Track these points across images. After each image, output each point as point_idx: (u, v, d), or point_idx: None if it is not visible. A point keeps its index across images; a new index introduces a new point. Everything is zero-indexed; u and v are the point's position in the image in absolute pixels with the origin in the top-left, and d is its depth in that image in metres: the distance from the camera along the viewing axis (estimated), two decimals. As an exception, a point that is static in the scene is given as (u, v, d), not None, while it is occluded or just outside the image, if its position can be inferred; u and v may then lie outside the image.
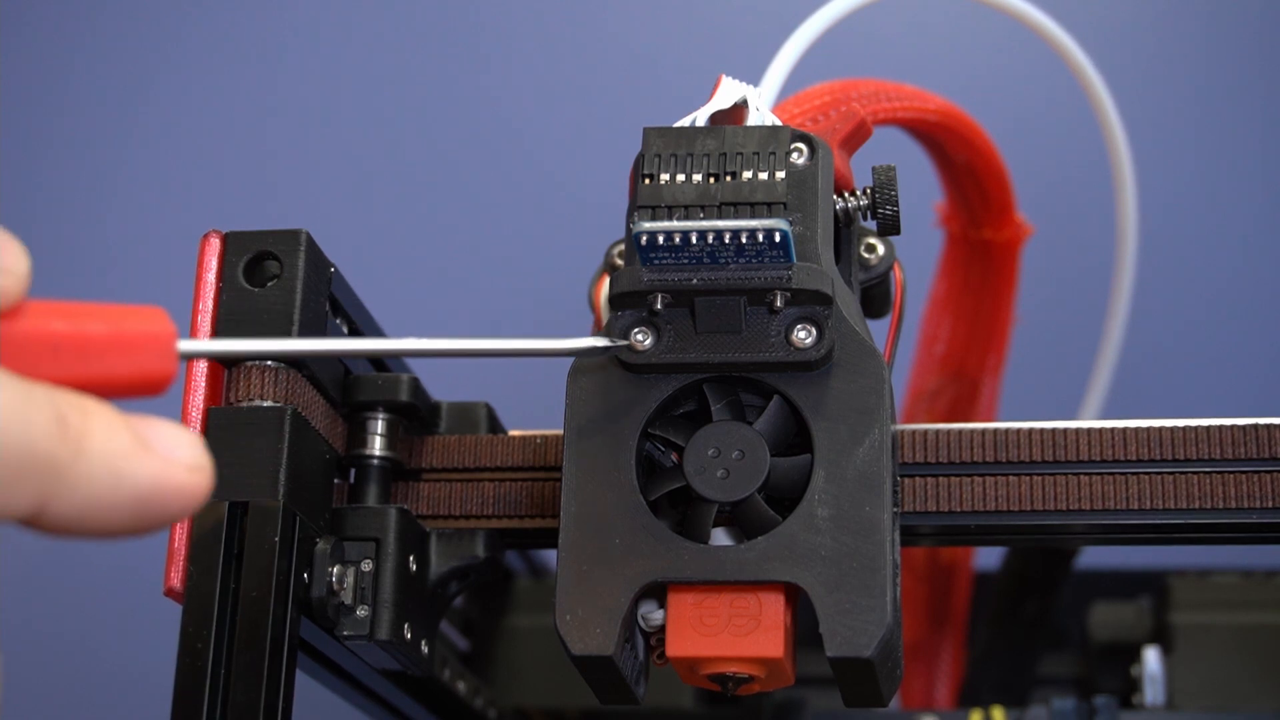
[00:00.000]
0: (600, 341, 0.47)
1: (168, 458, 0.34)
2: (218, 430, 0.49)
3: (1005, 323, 0.72)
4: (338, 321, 0.53)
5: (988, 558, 0.80)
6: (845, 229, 0.52)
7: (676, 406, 0.49)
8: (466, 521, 0.54)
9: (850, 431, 0.47)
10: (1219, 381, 1.02)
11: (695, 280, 0.47)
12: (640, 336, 0.48)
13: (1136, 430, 0.51)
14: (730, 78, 0.51)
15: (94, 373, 0.34)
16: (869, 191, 0.52)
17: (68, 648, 0.99)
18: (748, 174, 0.48)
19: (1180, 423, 0.51)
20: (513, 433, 0.56)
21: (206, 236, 0.51)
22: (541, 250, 1.07)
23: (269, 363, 0.50)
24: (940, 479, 0.51)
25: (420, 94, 1.13)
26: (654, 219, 0.47)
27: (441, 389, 0.57)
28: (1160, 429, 0.51)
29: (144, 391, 0.35)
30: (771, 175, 0.48)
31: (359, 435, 0.54)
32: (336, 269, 0.53)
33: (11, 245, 0.34)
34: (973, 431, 0.52)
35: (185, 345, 0.36)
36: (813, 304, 0.47)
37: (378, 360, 0.57)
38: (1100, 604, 0.78)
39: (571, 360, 0.49)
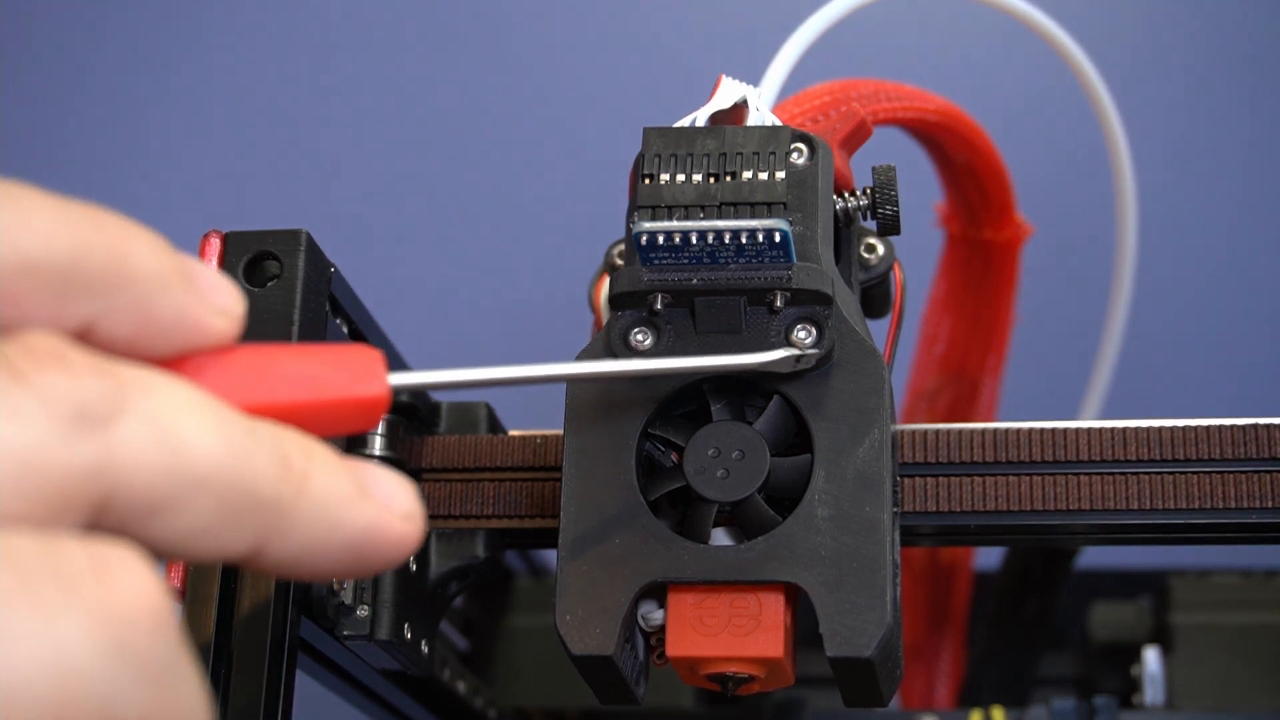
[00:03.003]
0: (793, 352, 0.47)
1: (385, 504, 0.34)
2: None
3: (1005, 323, 0.72)
4: (337, 322, 0.53)
5: (988, 558, 0.80)
6: (845, 229, 0.52)
7: (676, 406, 0.49)
8: (466, 521, 0.54)
9: (850, 431, 0.47)
10: (1219, 381, 1.02)
11: (695, 280, 0.47)
12: (640, 336, 0.48)
13: (1136, 430, 0.51)
14: (730, 78, 0.51)
15: (312, 400, 0.34)
16: (869, 191, 0.52)
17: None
18: (748, 174, 0.48)
19: (1180, 423, 0.51)
20: (513, 433, 0.56)
21: (206, 236, 0.51)
22: (541, 250, 1.07)
23: (269, 363, 0.50)
24: (940, 479, 0.51)
25: (420, 94, 1.13)
26: (654, 219, 0.47)
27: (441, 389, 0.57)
28: (1160, 429, 0.51)
29: (358, 424, 0.35)
30: (771, 175, 0.48)
31: (359, 435, 0.54)
32: (336, 269, 0.53)
33: (228, 287, 0.34)
34: (973, 431, 0.52)
35: (395, 379, 0.35)
36: (813, 304, 0.47)
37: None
38: (1100, 604, 0.78)
39: (571, 359, 0.49)
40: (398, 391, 0.36)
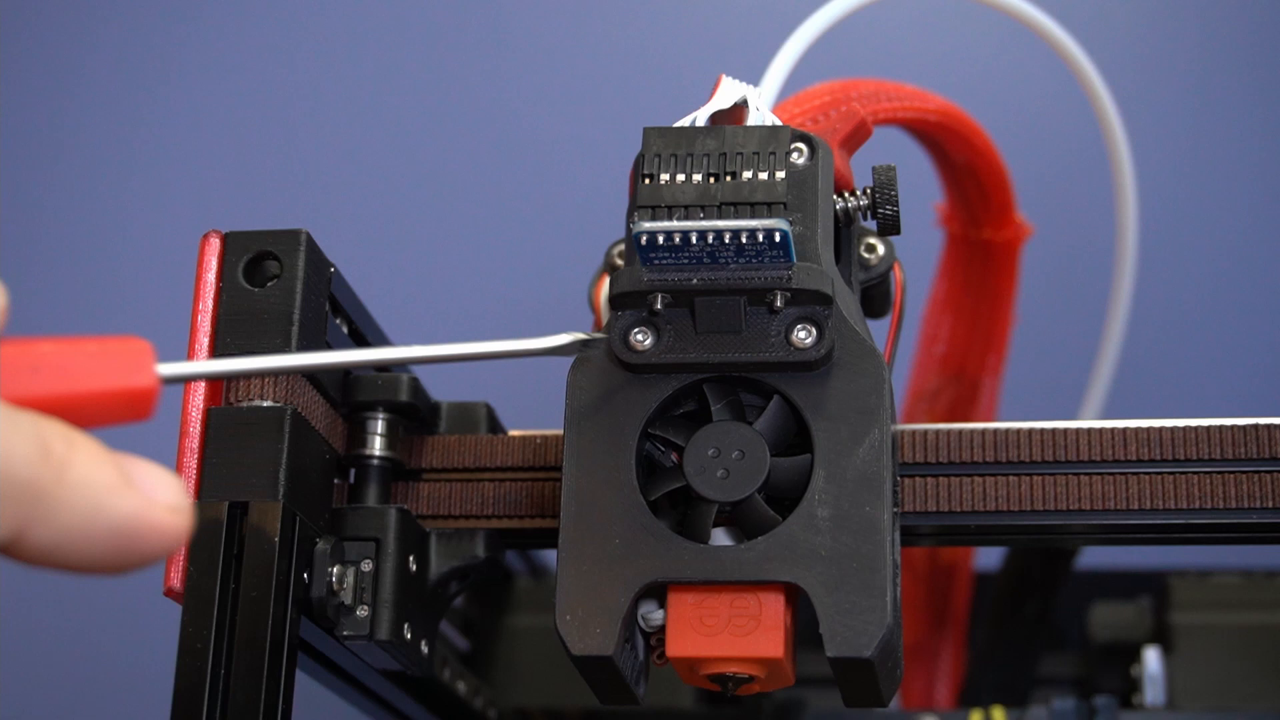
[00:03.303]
0: (578, 336, 0.47)
1: (149, 496, 0.34)
2: (218, 430, 0.49)
3: (1005, 323, 0.72)
4: (337, 321, 0.53)
5: (988, 558, 0.80)
6: (845, 229, 0.52)
7: (676, 406, 0.49)
8: (466, 521, 0.54)
9: (850, 431, 0.47)
10: (1219, 381, 1.02)
11: (695, 280, 0.47)
12: (640, 336, 0.48)
13: (1136, 430, 0.51)
14: (730, 78, 0.51)
15: (75, 391, 0.34)
16: (869, 191, 0.52)
17: (68, 648, 0.99)
18: (748, 174, 0.48)
19: (1180, 423, 0.51)
20: (513, 433, 0.56)
21: (206, 236, 0.51)
22: (541, 250, 1.07)
23: (269, 363, 0.50)
24: (940, 479, 0.51)
25: (420, 94, 1.13)
26: (654, 219, 0.47)
27: (441, 389, 0.57)
28: (1160, 429, 0.51)
29: (127, 414, 0.35)
30: (771, 175, 0.48)
31: (359, 435, 0.54)
32: (336, 269, 0.53)
33: None
34: (973, 431, 0.52)
35: (166, 369, 0.36)
36: (813, 304, 0.47)
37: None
38: (1100, 604, 0.78)
39: (572, 360, 0.49)
40: (169, 381, 0.36)
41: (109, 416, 0.35)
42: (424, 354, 0.44)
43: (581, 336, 0.47)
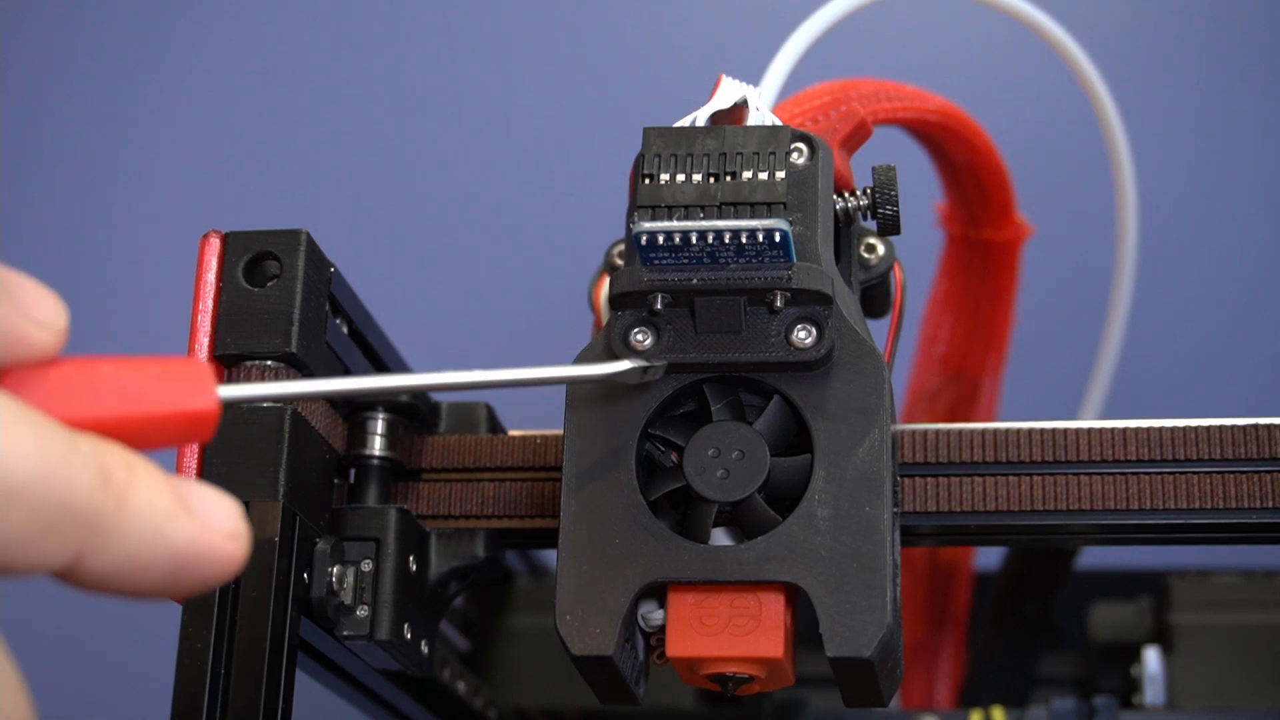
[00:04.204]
0: (640, 364, 0.47)
1: (207, 522, 0.33)
2: (218, 430, 0.49)
3: (1005, 323, 0.72)
4: (337, 321, 0.53)
5: (988, 558, 0.80)
6: (845, 229, 0.52)
7: (676, 406, 0.49)
8: (466, 521, 0.54)
9: (850, 431, 0.47)
10: (1219, 381, 1.02)
11: (695, 280, 0.47)
12: (640, 336, 0.48)
13: (1136, 430, 0.51)
14: (730, 78, 0.51)
15: (135, 414, 0.34)
16: (869, 191, 0.52)
17: (68, 648, 0.99)
18: (748, 174, 0.48)
19: (1180, 423, 0.51)
20: (513, 433, 0.56)
21: (206, 236, 0.51)
22: (541, 250, 1.07)
23: (269, 362, 0.50)
24: (940, 479, 0.51)
25: (420, 94, 1.13)
26: (654, 219, 0.47)
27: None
28: (1160, 429, 0.51)
29: (187, 436, 0.35)
30: (771, 175, 0.48)
31: (359, 435, 0.54)
32: (336, 269, 0.53)
33: (49, 298, 0.34)
34: (973, 431, 0.52)
35: (226, 391, 0.35)
36: (813, 304, 0.47)
37: (378, 360, 0.57)
38: (1100, 604, 0.78)
39: (571, 361, 0.49)
40: (229, 404, 0.36)
41: (168, 439, 0.35)
42: (485, 379, 0.43)
43: (643, 364, 0.47)
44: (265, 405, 0.50)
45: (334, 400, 0.53)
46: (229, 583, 0.48)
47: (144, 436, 0.34)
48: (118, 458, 0.32)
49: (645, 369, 0.47)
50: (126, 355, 0.35)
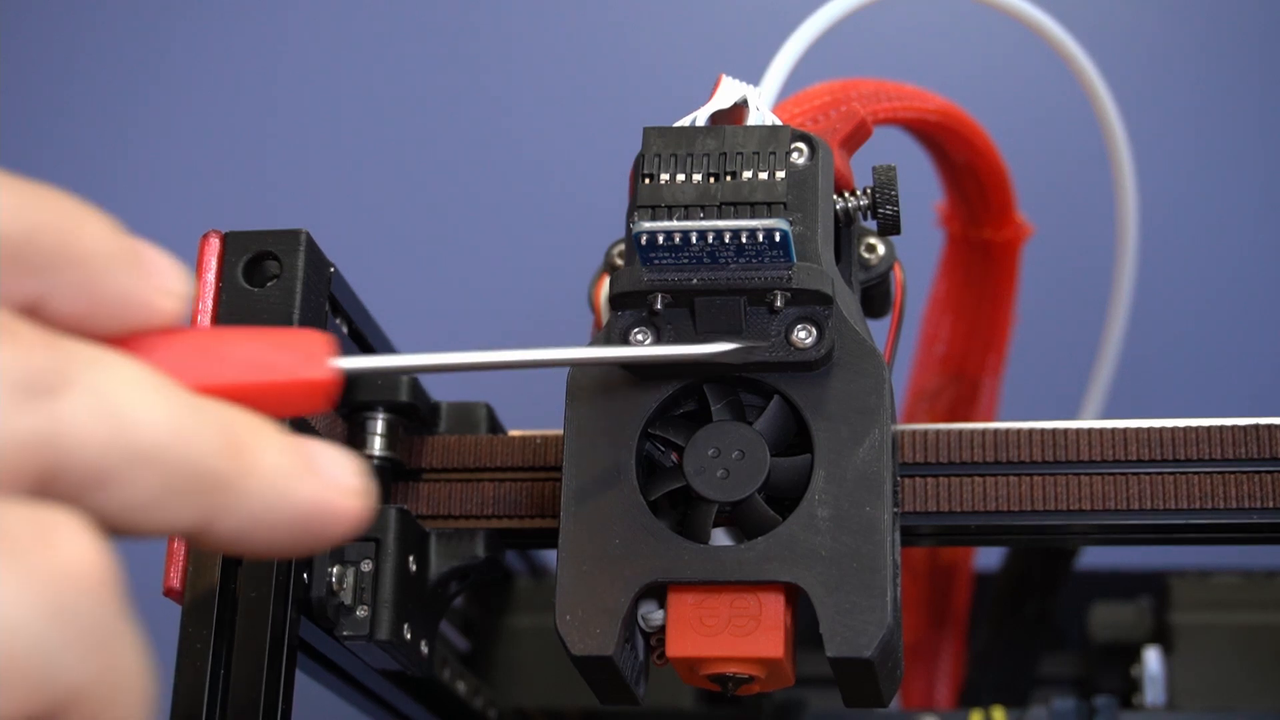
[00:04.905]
0: (736, 344, 0.47)
1: (331, 481, 0.34)
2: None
3: (1005, 323, 0.72)
4: (337, 321, 0.53)
5: (988, 558, 0.80)
6: (845, 229, 0.52)
7: (676, 406, 0.49)
8: (466, 521, 0.54)
9: (850, 431, 0.47)
10: (1219, 381, 1.02)
11: (695, 280, 0.47)
12: (640, 336, 0.48)
13: (1137, 430, 0.51)
14: (730, 78, 0.51)
15: (258, 382, 0.34)
16: (869, 191, 0.52)
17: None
18: (748, 174, 0.48)
19: (1180, 423, 0.51)
20: (513, 433, 0.56)
21: (206, 236, 0.51)
22: (541, 250, 1.07)
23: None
24: (940, 479, 0.51)
25: (420, 94, 1.13)
26: (654, 219, 0.47)
27: (441, 389, 0.57)
28: (1160, 429, 0.51)
29: (305, 406, 0.35)
30: (771, 175, 0.48)
31: (359, 435, 0.54)
32: (336, 269, 0.53)
33: (175, 268, 0.34)
34: (973, 431, 0.52)
35: (342, 362, 0.36)
36: (813, 304, 0.47)
37: (378, 360, 0.56)
38: (1100, 604, 0.78)
39: (571, 360, 0.49)
40: (344, 374, 0.36)
41: (289, 408, 0.35)
42: (575, 356, 0.44)
43: (746, 344, 0.47)
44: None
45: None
46: (231, 583, 0.48)
47: (264, 404, 0.35)
48: (243, 421, 0.33)
49: (750, 349, 0.47)
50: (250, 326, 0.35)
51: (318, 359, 0.35)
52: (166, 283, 0.34)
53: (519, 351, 0.43)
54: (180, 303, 0.34)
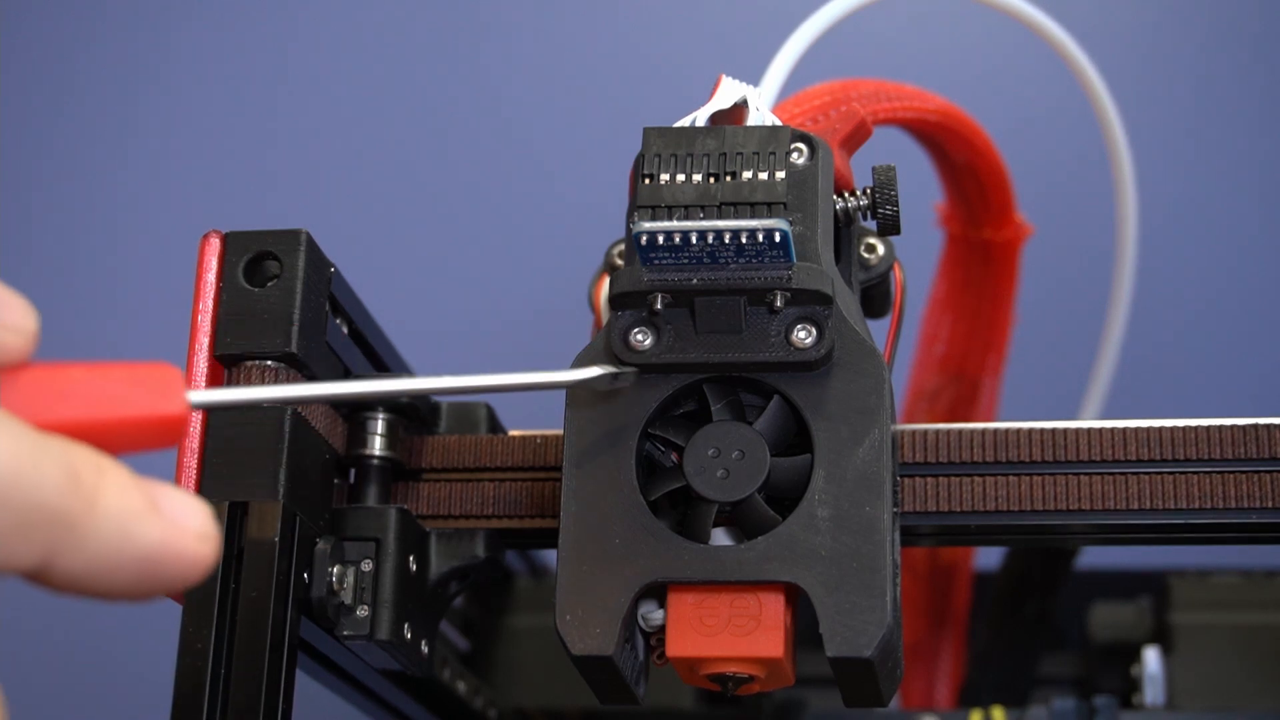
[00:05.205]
0: (609, 370, 0.47)
1: (177, 523, 0.33)
2: (218, 430, 0.49)
3: (1005, 323, 0.72)
4: (337, 321, 0.53)
5: (988, 558, 0.80)
6: (845, 229, 0.52)
7: (676, 406, 0.49)
8: (466, 521, 0.54)
9: (850, 431, 0.47)
10: (1219, 381, 1.02)
11: (695, 280, 0.47)
12: (640, 336, 0.48)
13: (1136, 430, 0.51)
14: (730, 78, 0.51)
15: (104, 418, 0.34)
16: (869, 191, 0.52)
17: (68, 648, 0.99)
18: (748, 174, 0.48)
19: (1180, 423, 0.51)
20: (513, 433, 0.56)
21: (206, 236, 0.51)
22: (541, 250, 1.07)
23: (269, 362, 0.50)
24: (940, 479, 0.51)
25: (420, 94, 1.13)
26: (654, 219, 0.47)
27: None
28: (1160, 429, 0.51)
29: (157, 441, 0.35)
30: (771, 175, 0.48)
31: (359, 435, 0.54)
32: (336, 269, 0.53)
33: (18, 303, 0.34)
34: (973, 431, 0.52)
35: (196, 396, 0.35)
36: (813, 304, 0.47)
37: (378, 360, 0.57)
38: (1100, 604, 0.78)
39: (571, 361, 0.49)
40: (198, 408, 0.36)
41: (138, 443, 0.35)
42: (453, 384, 0.43)
43: (612, 370, 0.47)
44: (265, 406, 0.50)
45: (332, 401, 0.53)
46: (231, 583, 0.48)
47: (114, 440, 0.34)
48: (87, 459, 0.33)
49: (615, 375, 0.47)
50: (99, 361, 0.35)
51: (170, 393, 0.35)
52: (11, 319, 0.33)
53: (381, 381, 0.43)
54: (27, 340, 0.34)
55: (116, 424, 0.34)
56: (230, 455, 0.49)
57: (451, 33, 1.14)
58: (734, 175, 0.48)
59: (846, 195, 0.52)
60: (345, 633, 0.51)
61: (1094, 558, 0.78)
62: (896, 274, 0.54)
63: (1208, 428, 0.51)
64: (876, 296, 0.54)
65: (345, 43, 1.15)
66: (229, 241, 0.51)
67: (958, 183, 0.65)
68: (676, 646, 0.46)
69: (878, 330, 0.52)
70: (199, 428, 0.49)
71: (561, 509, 0.47)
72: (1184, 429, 0.51)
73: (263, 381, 0.50)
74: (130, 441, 0.35)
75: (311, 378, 0.51)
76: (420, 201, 1.10)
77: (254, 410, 0.49)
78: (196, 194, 1.10)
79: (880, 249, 0.54)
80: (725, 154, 0.48)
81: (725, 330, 0.47)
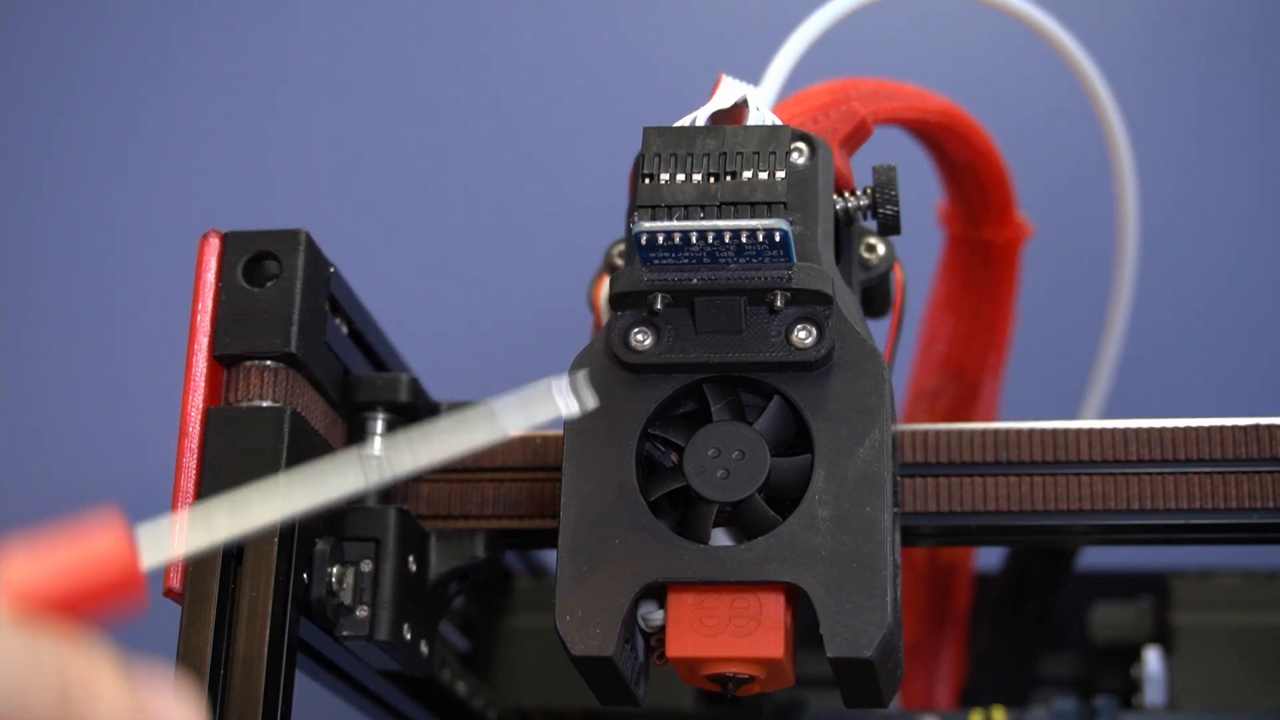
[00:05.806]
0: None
1: None
2: (217, 430, 0.49)
3: (1005, 323, 0.72)
4: (337, 322, 0.53)
5: (988, 558, 0.80)
6: (845, 229, 0.52)
7: (676, 406, 0.49)
8: (466, 521, 0.54)
9: (850, 431, 0.47)
10: (1219, 381, 1.02)
11: (695, 280, 0.47)
12: (640, 336, 0.48)
13: (1137, 430, 0.51)
14: (730, 77, 0.51)
15: (67, 609, 0.33)
16: (869, 191, 0.52)
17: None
18: (748, 174, 0.48)
19: (1180, 423, 0.51)
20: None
21: (206, 236, 0.51)
22: (541, 250, 1.07)
23: (268, 362, 0.50)
24: (940, 479, 0.51)
25: (420, 93, 1.13)
26: (654, 219, 0.47)
27: (441, 389, 0.57)
28: (1161, 429, 0.51)
29: (118, 610, 0.34)
30: (771, 175, 0.48)
31: (359, 435, 0.54)
32: (336, 269, 0.53)
33: None
34: (973, 431, 0.52)
35: (147, 561, 0.35)
36: (813, 304, 0.47)
37: (378, 360, 0.57)
38: (1101, 604, 0.78)
39: (571, 361, 0.49)
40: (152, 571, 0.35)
41: (101, 609, 0.34)
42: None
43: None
44: (265, 405, 0.50)
45: (332, 401, 0.53)
46: (231, 583, 0.48)
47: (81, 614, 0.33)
48: (79, 667, 0.32)
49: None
50: (38, 537, 0.34)
51: (120, 556, 0.34)
52: None
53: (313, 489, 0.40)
54: None
55: (74, 603, 0.34)
56: (230, 455, 0.49)
57: (451, 33, 1.14)
58: (734, 175, 0.48)
59: (847, 195, 0.52)
60: (345, 633, 0.51)
61: (1094, 558, 0.77)
62: (897, 274, 0.54)
63: (1208, 428, 0.51)
64: (877, 296, 0.54)
65: (345, 43, 1.15)
66: (228, 241, 0.51)
67: (958, 183, 0.65)
68: (676, 647, 0.46)
69: (878, 330, 0.52)
70: (198, 427, 0.49)
71: (561, 509, 0.47)
72: (1184, 429, 0.51)
73: (262, 381, 0.50)
74: (90, 606, 0.34)
75: (311, 377, 0.51)
76: (420, 201, 1.10)
77: (254, 410, 0.49)
78: (196, 194, 1.10)
79: (880, 249, 0.54)
80: (725, 154, 0.48)
81: (725, 330, 0.47)
